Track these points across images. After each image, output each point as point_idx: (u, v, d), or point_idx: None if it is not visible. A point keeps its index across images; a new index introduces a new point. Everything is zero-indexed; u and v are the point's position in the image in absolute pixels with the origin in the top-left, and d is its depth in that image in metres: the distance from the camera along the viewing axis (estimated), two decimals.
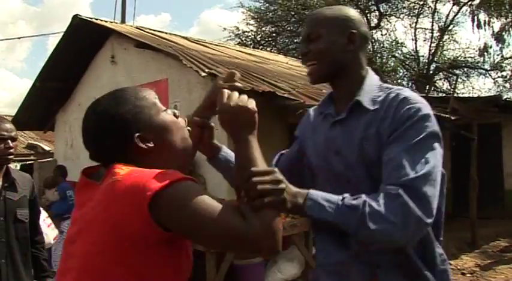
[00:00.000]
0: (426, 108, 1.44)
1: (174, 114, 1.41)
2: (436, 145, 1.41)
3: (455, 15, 19.82)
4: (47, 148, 14.55)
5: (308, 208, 1.32)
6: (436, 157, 1.39)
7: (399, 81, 21.26)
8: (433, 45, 20.21)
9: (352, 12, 1.62)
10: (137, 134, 1.28)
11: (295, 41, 22.08)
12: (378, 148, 1.44)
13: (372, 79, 1.61)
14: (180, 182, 1.15)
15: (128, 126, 1.29)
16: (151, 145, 1.30)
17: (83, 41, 8.59)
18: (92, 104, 1.36)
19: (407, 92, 1.50)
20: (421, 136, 1.39)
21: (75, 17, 8.43)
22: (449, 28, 20.15)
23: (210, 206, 1.13)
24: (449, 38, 20.53)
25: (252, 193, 1.21)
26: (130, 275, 1.15)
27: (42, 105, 9.80)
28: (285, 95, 6.11)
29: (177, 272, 1.26)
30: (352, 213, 1.30)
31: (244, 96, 1.35)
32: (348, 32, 1.55)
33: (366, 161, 1.47)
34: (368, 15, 21.06)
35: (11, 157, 2.69)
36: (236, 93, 1.36)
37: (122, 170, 1.20)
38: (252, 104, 1.34)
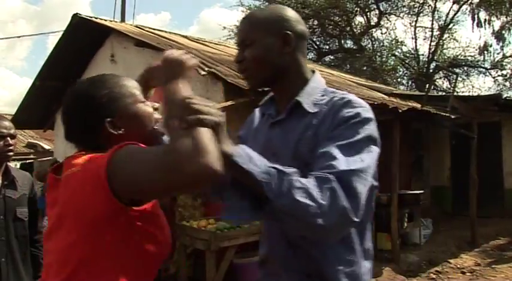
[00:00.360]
0: (368, 113, 1.41)
1: (154, 108, 1.44)
2: (373, 148, 1.38)
3: (455, 14, 19.83)
4: (46, 147, 14.56)
5: (236, 155, 1.22)
6: (372, 158, 1.35)
7: (399, 80, 21.28)
8: (433, 44, 20.19)
9: (287, 12, 1.54)
10: (109, 119, 1.32)
11: None
12: (313, 149, 1.39)
13: (316, 82, 1.55)
14: (121, 148, 1.17)
15: (101, 110, 1.33)
16: (121, 132, 1.33)
17: (83, 39, 8.58)
18: (73, 86, 1.42)
19: (351, 96, 1.46)
20: (359, 137, 1.35)
21: (75, 16, 8.42)
22: (449, 27, 20.13)
23: (143, 154, 1.15)
24: (449, 37, 20.50)
25: (185, 114, 1.12)
26: (103, 258, 1.19)
27: (42, 104, 9.79)
28: None
29: (152, 252, 1.28)
30: (280, 177, 1.22)
31: (188, 55, 1.33)
32: (282, 34, 1.48)
33: (299, 163, 1.40)
34: (368, 13, 21.07)
35: (11, 154, 2.69)
36: (180, 51, 1.34)
37: (80, 160, 1.24)
38: (191, 59, 1.32)
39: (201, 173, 1.05)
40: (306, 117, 1.47)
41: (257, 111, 1.74)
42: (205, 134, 1.10)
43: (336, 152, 1.30)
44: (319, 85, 1.55)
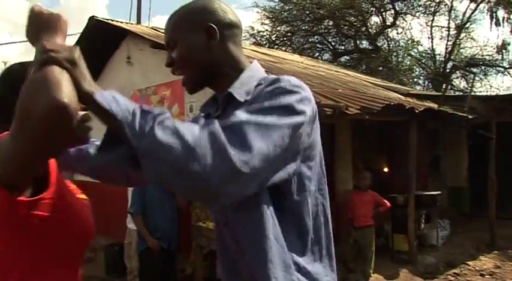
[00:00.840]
0: (294, 87, 1.24)
1: None
2: (292, 117, 1.17)
3: (472, 13, 19.62)
4: None
5: (99, 95, 1.08)
6: (285, 125, 1.15)
7: (415, 80, 21.13)
8: (449, 43, 20.02)
9: (210, 3, 1.42)
10: None
11: (311, 40, 22.03)
12: None
13: (252, 71, 1.43)
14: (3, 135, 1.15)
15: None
16: None
17: (99, 42, 8.65)
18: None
19: (284, 76, 1.30)
20: (273, 104, 1.18)
21: (92, 19, 8.50)
22: (466, 26, 19.94)
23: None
24: (466, 36, 20.30)
25: (38, 57, 1.02)
26: (5, 255, 1.18)
27: None
28: None
29: (64, 241, 1.27)
30: (144, 116, 1.06)
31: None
32: (205, 27, 1.38)
33: None
34: (383, 13, 20.96)
35: None
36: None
37: None
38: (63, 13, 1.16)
39: (50, 108, 0.94)
40: (239, 107, 1.30)
41: (201, 113, 1.61)
42: (53, 70, 1.00)
43: (239, 112, 1.14)
44: (256, 74, 1.42)
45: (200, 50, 1.39)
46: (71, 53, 1.05)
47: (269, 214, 1.26)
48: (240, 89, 1.37)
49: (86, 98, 1.06)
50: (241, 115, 1.12)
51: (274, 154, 1.12)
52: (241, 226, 1.30)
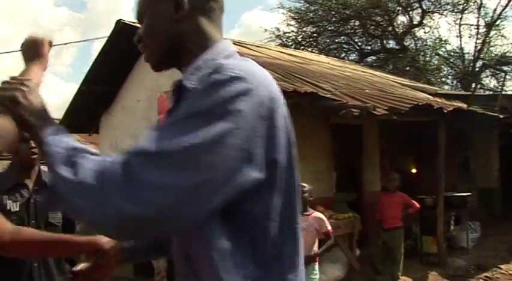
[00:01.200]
0: (228, 80, 1.02)
1: None
2: (219, 124, 0.97)
3: (503, 9, 19.22)
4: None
5: (47, 134, 1.11)
6: (202, 139, 0.95)
7: (443, 79, 20.81)
8: (479, 41, 19.64)
9: None
10: None
11: (337, 40, 21.90)
12: None
13: (214, 53, 1.18)
14: None
15: None
16: None
17: (127, 45, 8.75)
18: None
19: (227, 61, 1.12)
20: (190, 112, 1.00)
21: (119, 22, 8.59)
22: (497, 23, 19.54)
23: None
24: (496, 34, 19.88)
25: None
26: None
27: (87, 108, 10.05)
28: (328, 96, 6.06)
29: None
30: (71, 153, 1.04)
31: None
32: None
33: None
34: (410, 12, 20.70)
35: (35, 156, 2.67)
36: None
37: None
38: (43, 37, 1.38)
39: None
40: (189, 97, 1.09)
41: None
42: None
43: (154, 131, 1.01)
44: (218, 56, 1.16)
45: (165, 21, 1.22)
46: (12, 91, 1.17)
47: (216, 227, 1.06)
48: (193, 76, 1.11)
49: (29, 131, 1.16)
50: (146, 141, 0.99)
51: (199, 179, 0.96)
52: (187, 238, 1.15)
